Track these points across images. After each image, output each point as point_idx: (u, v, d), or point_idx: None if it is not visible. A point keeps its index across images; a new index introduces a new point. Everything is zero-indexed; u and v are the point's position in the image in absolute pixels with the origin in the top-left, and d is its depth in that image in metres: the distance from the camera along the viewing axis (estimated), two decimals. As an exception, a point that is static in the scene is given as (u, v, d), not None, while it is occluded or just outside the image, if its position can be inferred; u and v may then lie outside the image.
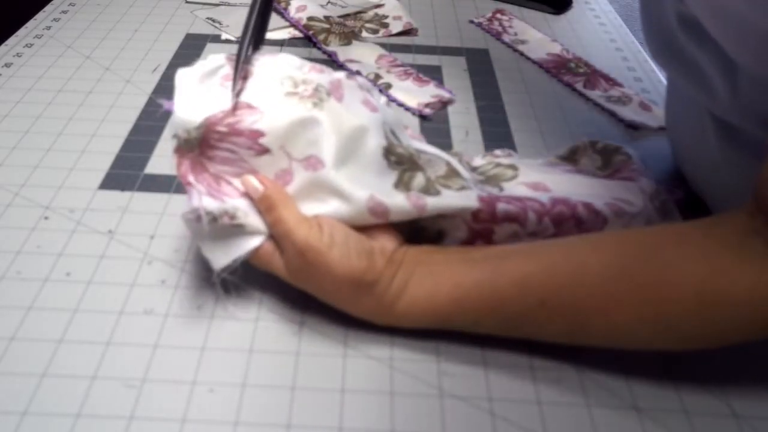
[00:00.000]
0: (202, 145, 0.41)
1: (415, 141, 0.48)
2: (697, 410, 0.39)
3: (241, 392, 0.38)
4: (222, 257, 0.41)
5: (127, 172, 0.55)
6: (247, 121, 0.41)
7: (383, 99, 0.47)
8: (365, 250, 0.40)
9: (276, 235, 0.41)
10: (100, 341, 0.41)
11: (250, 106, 0.42)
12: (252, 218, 0.41)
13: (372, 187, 0.41)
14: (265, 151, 0.42)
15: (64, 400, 0.37)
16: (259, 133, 0.41)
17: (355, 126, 0.42)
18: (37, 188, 0.52)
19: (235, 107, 0.42)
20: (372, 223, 0.42)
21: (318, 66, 0.45)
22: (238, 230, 0.41)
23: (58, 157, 0.56)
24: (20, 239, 0.48)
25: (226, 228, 0.41)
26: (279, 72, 0.44)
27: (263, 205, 0.41)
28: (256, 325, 0.42)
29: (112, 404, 0.37)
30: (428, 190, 0.43)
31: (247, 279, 0.43)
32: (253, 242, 0.41)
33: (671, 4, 0.44)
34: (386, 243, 0.41)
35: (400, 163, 0.43)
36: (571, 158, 0.53)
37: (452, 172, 0.45)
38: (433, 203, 0.42)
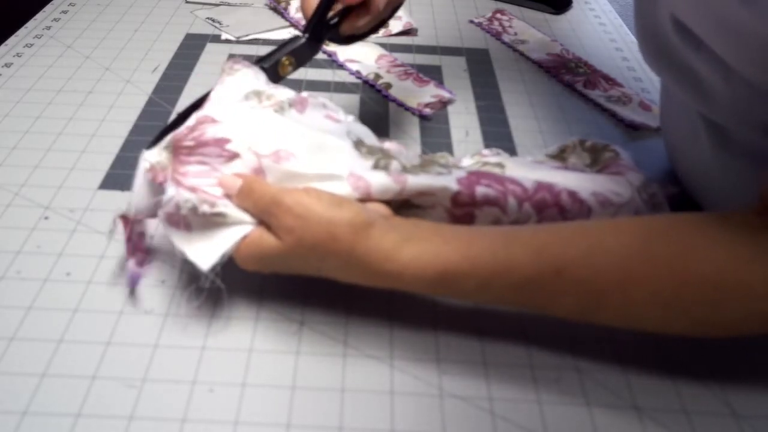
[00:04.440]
0: (174, 163, 0.41)
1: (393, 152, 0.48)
2: (696, 409, 0.39)
3: (241, 392, 0.38)
4: (209, 255, 0.40)
5: (127, 172, 0.54)
6: (210, 131, 0.41)
7: (351, 117, 0.47)
8: (356, 202, 0.40)
9: (262, 210, 0.40)
10: (100, 341, 0.41)
11: (213, 120, 0.42)
12: (233, 209, 0.40)
13: (350, 168, 0.42)
14: (234, 156, 0.41)
15: (64, 400, 0.37)
16: (224, 140, 0.41)
17: (318, 130, 0.43)
18: (37, 188, 0.52)
19: (198, 121, 0.42)
20: (358, 199, 0.41)
21: (280, 86, 0.46)
22: (220, 222, 0.40)
23: (58, 157, 0.56)
24: (20, 239, 0.48)
25: (207, 219, 0.40)
26: (245, 87, 0.44)
27: (243, 192, 0.40)
28: (256, 325, 0.42)
29: (112, 404, 0.37)
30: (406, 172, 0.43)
31: (247, 279, 0.43)
32: (240, 231, 0.40)
33: (666, 9, 0.44)
34: (380, 208, 0.41)
35: (372, 153, 0.44)
36: (560, 156, 0.53)
37: (427, 162, 0.45)
38: (414, 180, 0.42)
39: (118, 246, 0.47)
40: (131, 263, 0.44)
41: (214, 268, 0.40)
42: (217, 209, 0.40)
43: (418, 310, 0.43)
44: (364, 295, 0.41)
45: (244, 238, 0.40)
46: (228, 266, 0.40)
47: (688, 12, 0.42)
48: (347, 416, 0.37)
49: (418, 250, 0.38)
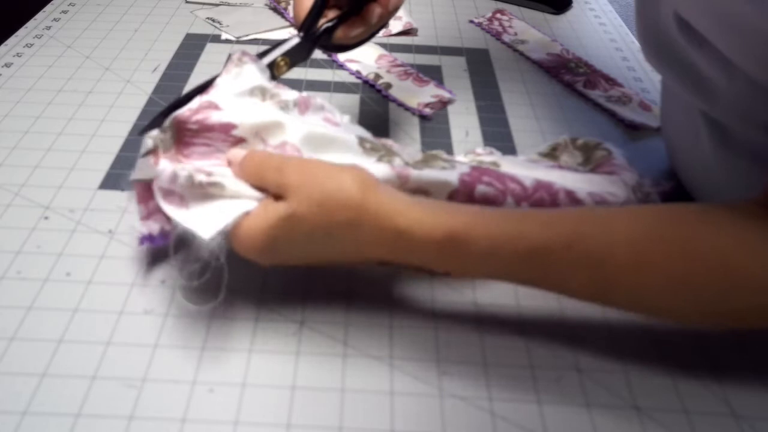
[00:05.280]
0: (178, 143, 0.41)
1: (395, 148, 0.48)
2: (696, 409, 0.39)
3: (241, 392, 0.38)
4: (209, 224, 0.38)
5: (127, 172, 0.54)
6: (215, 116, 0.41)
7: (346, 117, 0.47)
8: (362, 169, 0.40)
9: (265, 176, 0.39)
10: (100, 341, 0.41)
11: (217, 107, 0.42)
12: (230, 181, 0.40)
13: (353, 162, 0.42)
14: (240, 140, 0.42)
15: (64, 400, 0.37)
16: (230, 126, 0.41)
17: (319, 129, 0.43)
18: (37, 188, 0.52)
19: (201, 106, 0.42)
20: None
21: (284, 86, 0.46)
22: (218, 194, 0.39)
23: (58, 157, 0.56)
24: (20, 239, 0.48)
25: (205, 192, 0.39)
26: (250, 81, 0.44)
27: (247, 160, 0.40)
28: (256, 325, 0.42)
29: (112, 404, 0.37)
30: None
31: (248, 279, 0.43)
32: (243, 205, 0.39)
33: (669, 6, 0.44)
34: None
35: (376, 150, 0.44)
36: (551, 155, 0.53)
37: (430, 157, 0.45)
38: (417, 174, 0.42)
39: (118, 246, 0.48)
40: (145, 226, 0.43)
41: (216, 247, 0.38)
42: (213, 179, 0.39)
43: (418, 310, 0.44)
44: (364, 295, 0.41)
45: (246, 214, 0.39)
46: (229, 267, 0.40)
47: (692, 9, 0.42)
48: (347, 416, 0.37)
49: (427, 211, 0.38)
